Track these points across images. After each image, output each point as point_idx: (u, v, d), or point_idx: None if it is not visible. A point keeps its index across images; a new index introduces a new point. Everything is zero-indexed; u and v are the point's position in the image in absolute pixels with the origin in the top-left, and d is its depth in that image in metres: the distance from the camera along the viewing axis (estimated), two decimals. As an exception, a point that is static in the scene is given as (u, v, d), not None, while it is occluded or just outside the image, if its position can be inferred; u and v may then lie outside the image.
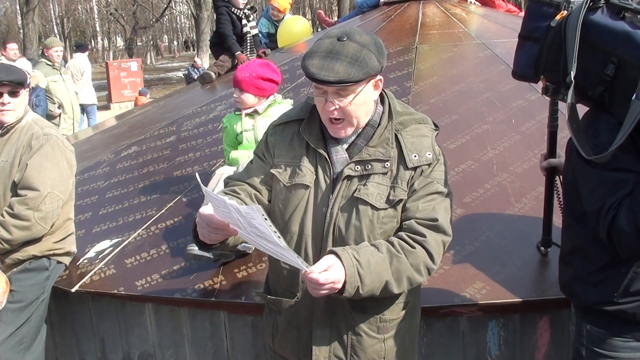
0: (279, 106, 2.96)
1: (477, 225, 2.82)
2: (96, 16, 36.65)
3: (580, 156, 1.69)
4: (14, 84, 2.72)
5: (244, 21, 5.52)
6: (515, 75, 1.96)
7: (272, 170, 1.83)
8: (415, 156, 1.75)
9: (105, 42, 39.05)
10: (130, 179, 3.81)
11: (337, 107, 1.69)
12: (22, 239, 2.71)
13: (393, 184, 1.74)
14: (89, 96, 9.68)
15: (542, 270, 2.59)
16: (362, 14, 5.97)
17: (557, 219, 2.31)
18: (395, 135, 1.77)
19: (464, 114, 3.63)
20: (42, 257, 2.81)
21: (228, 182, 1.92)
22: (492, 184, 3.07)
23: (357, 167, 1.75)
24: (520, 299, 2.43)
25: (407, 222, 1.73)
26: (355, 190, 1.74)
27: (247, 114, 2.95)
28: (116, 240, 3.19)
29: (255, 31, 5.64)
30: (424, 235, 1.70)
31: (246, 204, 1.72)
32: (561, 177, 2.27)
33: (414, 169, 1.74)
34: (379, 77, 1.74)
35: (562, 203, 2.16)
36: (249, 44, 5.56)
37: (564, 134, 2.40)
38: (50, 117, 7.04)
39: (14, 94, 2.75)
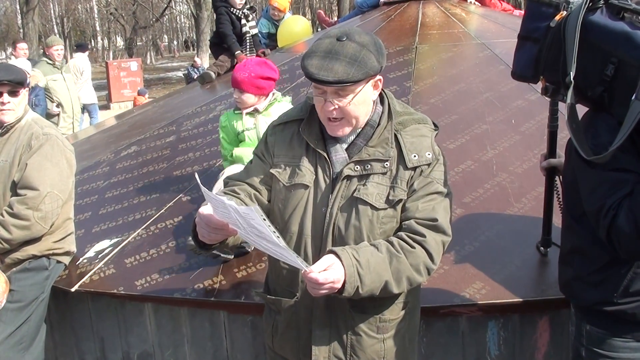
0: (279, 104, 2.98)
1: (477, 225, 2.82)
2: (96, 16, 36.67)
3: (580, 156, 1.68)
4: (14, 83, 2.72)
5: (243, 21, 5.52)
6: (515, 75, 1.96)
7: (272, 170, 1.83)
8: (414, 156, 1.74)
9: (105, 41, 39.06)
10: (130, 179, 3.81)
11: (336, 107, 1.69)
12: (22, 239, 2.71)
13: (393, 184, 1.74)
14: (89, 96, 9.70)
15: (542, 270, 2.59)
16: (362, 14, 5.97)
17: (557, 219, 2.31)
18: (395, 135, 1.77)
19: (463, 114, 3.63)
20: (41, 257, 2.81)
21: (227, 182, 1.92)
22: (491, 184, 3.07)
23: (357, 167, 1.75)
24: (520, 299, 2.43)
25: (406, 222, 1.73)
26: (354, 190, 1.74)
27: (247, 113, 2.96)
28: (116, 239, 3.19)
29: (254, 31, 5.64)
30: (423, 235, 1.70)
31: (245, 204, 1.72)
32: (561, 177, 2.27)
33: (414, 169, 1.74)
34: (378, 77, 1.73)
35: (561, 203, 2.16)
36: (248, 44, 5.56)
37: (564, 134, 2.40)
38: (49, 116, 7.03)
39: (13, 93, 2.75)
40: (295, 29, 6.10)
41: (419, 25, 4.79)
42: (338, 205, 1.75)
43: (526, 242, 2.68)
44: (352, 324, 1.80)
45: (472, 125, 3.52)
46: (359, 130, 1.78)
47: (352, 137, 1.79)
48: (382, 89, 1.81)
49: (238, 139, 3.00)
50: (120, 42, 41.22)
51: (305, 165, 1.79)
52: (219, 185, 2.86)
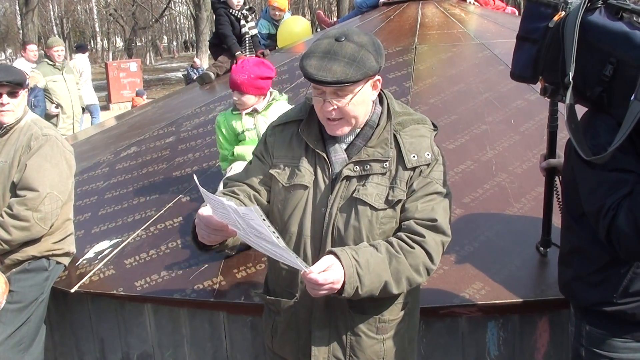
0: (277, 104, 2.99)
1: (477, 225, 2.82)
2: (95, 17, 36.68)
3: (579, 157, 1.68)
4: (13, 84, 2.72)
5: (243, 22, 5.53)
6: (514, 76, 1.96)
7: (271, 171, 1.83)
8: (414, 156, 1.74)
9: (105, 42, 39.06)
10: (130, 180, 3.81)
11: (335, 107, 1.69)
12: (22, 240, 2.71)
13: (392, 185, 1.74)
14: (90, 96, 9.71)
15: (542, 270, 2.59)
16: (361, 14, 5.97)
17: (557, 220, 2.31)
18: (394, 136, 1.77)
19: (463, 114, 3.63)
20: (41, 258, 2.81)
21: (227, 182, 1.92)
22: (491, 184, 3.07)
23: (356, 168, 1.75)
24: (520, 300, 2.43)
25: (406, 222, 1.73)
26: (354, 191, 1.74)
27: (246, 113, 2.97)
28: (115, 240, 3.19)
29: (254, 32, 5.65)
30: (423, 236, 1.70)
31: (245, 205, 1.72)
32: (560, 177, 2.27)
33: (413, 169, 1.74)
34: (377, 77, 1.73)
35: (561, 203, 2.16)
36: (247, 45, 5.57)
37: (564, 135, 2.40)
38: (48, 116, 7.03)
39: (13, 94, 2.75)
40: (295, 29, 6.10)
41: (418, 26, 4.79)
42: (337, 206, 1.75)
43: (526, 242, 2.68)
44: (351, 324, 1.80)
45: (471, 126, 3.52)
46: (358, 130, 1.78)
47: (351, 138, 1.79)
48: (381, 90, 1.81)
49: (238, 139, 3.01)
50: (119, 42, 41.24)
51: (305, 165, 1.79)
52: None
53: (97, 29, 38.33)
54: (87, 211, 3.57)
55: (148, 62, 36.74)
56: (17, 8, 25.88)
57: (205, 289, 2.70)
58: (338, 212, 1.75)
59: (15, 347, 2.72)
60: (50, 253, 2.83)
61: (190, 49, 43.73)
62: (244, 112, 2.96)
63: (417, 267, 1.69)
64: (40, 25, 27.42)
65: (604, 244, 1.71)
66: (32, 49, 8.50)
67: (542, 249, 2.60)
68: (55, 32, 34.19)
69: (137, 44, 37.60)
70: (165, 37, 49.98)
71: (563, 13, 1.75)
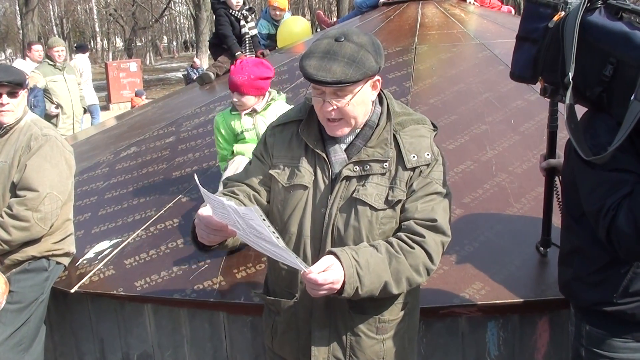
0: (276, 104, 3.00)
1: (477, 225, 2.82)
2: (95, 17, 36.69)
3: (579, 157, 1.68)
4: (13, 84, 2.72)
5: (242, 22, 5.53)
6: (513, 76, 1.96)
7: (271, 171, 1.83)
8: (413, 157, 1.74)
9: (105, 42, 39.07)
10: (130, 180, 3.81)
11: (335, 107, 1.69)
12: (21, 240, 2.71)
13: (392, 185, 1.74)
14: (90, 96, 9.71)
15: (542, 270, 2.59)
16: (361, 14, 5.97)
17: (557, 220, 2.31)
18: (394, 136, 1.77)
19: (463, 114, 3.63)
20: (41, 258, 2.81)
21: (227, 183, 1.92)
22: (491, 185, 3.07)
23: (356, 168, 1.75)
24: (520, 300, 2.43)
25: (406, 222, 1.73)
26: (354, 191, 1.74)
27: (245, 113, 2.97)
28: (115, 240, 3.19)
29: (254, 32, 5.65)
30: (422, 236, 1.70)
31: (245, 205, 1.72)
32: (560, 177, 2.27)
33: (413, 169, 1.74)
34: (377, 77, 1.73)
35: (561, 203, 2.16)
36: (247, 45, 5.57)
37: (564, 135, 2.39)
38: (48, 117, 7.03)
39: (12, 94, 2.75)
40: (295, 29, 6.10)
41: (418, 26, 4.80)
42: (337, 206, 1.75)
43: (526, 242, 2.68)
44: (351, 324, 1.80)
45: (471, 126, 3.52)
46: (358, 130, 1.78)
47: (351, 138, 1.79)
48: (381, 90, 1.81)
49: (236, 140, 3.01)
50: (119, 43, 41.26)
51: (304, 166, 1.79)
52: (231, 171, 2.87)
53: (97, 29, 38.34)
54: (87, 211, 3.57)
55: (148, 62, 36.75)
56: (17, 8, 25.89)
57: (205, 289, 2.70)
58: (338, 213, 1.75)
59: (15, 348, 2.72)
60: (50, 253, 2.83)
61: (190, 49, 43.74)
62: (243, 113, 2.96)
63: (417, 267, 1.69)
64: (40, 25, 27.42)
65: (604, 244, 1.70)
66: (38, 49, 8.50)
67: (542, 249, 2.60)
68: (55, 32, 34.19)
69: (137, 44, 37.62)
70: (165, 37, 50.01)
71: (563, 13, 1.75)
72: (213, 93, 5.05)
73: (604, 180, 1.68)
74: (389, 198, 1.73)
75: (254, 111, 2.96)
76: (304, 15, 32.56)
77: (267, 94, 3.00)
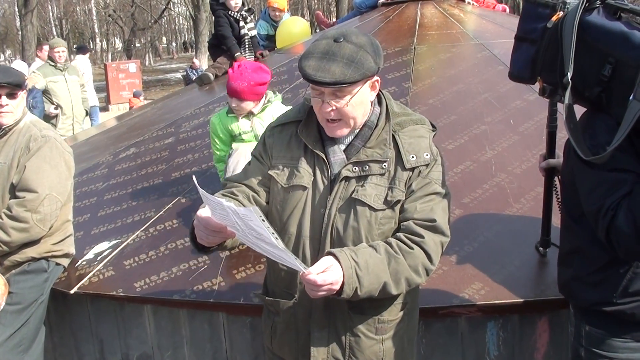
0: (272, 106, 3.00)
1: (476, 225, 2.82)
2: (95, 18, 36.72)
3: (578, 157, 1.68)
4: (12, 85, 2.72)
5: (242, 23, 5.53)
6: (512, 76, 1.96)
7: (270, 172, 1.83)
8: (412, 157, 1.74)
9: (104, 43, 39.09)
10: (129, 181, 3.81)
11: (334, 108, 1.69)
12: (21, 241, 2.70)
13: (391, 185, 1.74)
14: (91, 97, 9.69)
15: (541, 270, 2.59)
16: (360, 14, 5.97)
17: (556, 220, 2.31)
18: (393, 136, 1.77)
19: (462, 114, 3.63)
20: (40, 259, 2.80)
21: (226, 183, 1.92)
22: (490, 185, 3.07)
23: (355, 168, 1.75)
24: (519, 300, 2.43)
25: (405, 223, 1.73)
26: (353, 191, 1.74)
27: (243, 116, 2.98)
28: (115, 241, 3.19)
29: (253, 33, 5.65)
30: (422, 236, 1.70)
31: (244, 206, 1.72)
32: (560, 177, 2.27)
33: (412, 169, 1.74)
34: (375, 78, 1.73)
35: (560, 203, 2.16)
36: (246, 46, 5.57)
37: (563, 135, 2.39)
38: (47, 117, 7.03)
39: (11, 95, 2.74)
40: (294, 30, 6.10)
41: (417, 26, 4.80)
42: (336, 207, 1.75)
43: (525, 242, 2.68)
44: (350, 325, 1.80)
45: (470, 126, 3.52)
46: (357, 131, 1.78)
47: (350, 138, 1.79)
48: (379, 90, 1.81)
49: (234, 140, 3.02)
50: (118, 43, 41.27)
51: (304, 166, 1.79)
52: (233, 162, 2.88)
53: (96, 30, 38.36)
54: (86, 212, 3.57)
55: (147, 63, 36.76)
56: (16, 9, 25.88)
57: (204, 290, 2.70)
58: (337, 213, 1.75)
59: (14, 349, 2.72)
60: (50, 254, 2.83)
61: (190, 49, 43.76)
62: (240, 116, 2.98)
63: (416, 268, 1.69)
64: (40, 26, 27.42)
65: (604, 244, 1.70)
66: (47, 49, 8.50)
67: (541, 249, 2.60)
68: (55, 33, 34.17)
69: (136, 45, 37.63)
70: (164, 38, 50.03)
71: (561, 13, 1.75)
72: (212, 94, 5.05)
73: (603, 180, 1.68)
74: (388, 198, 1.73)
75: (250, 113, 2.97)
76: (303, 15, 32.57)
77: (264, 96, 3.00)
